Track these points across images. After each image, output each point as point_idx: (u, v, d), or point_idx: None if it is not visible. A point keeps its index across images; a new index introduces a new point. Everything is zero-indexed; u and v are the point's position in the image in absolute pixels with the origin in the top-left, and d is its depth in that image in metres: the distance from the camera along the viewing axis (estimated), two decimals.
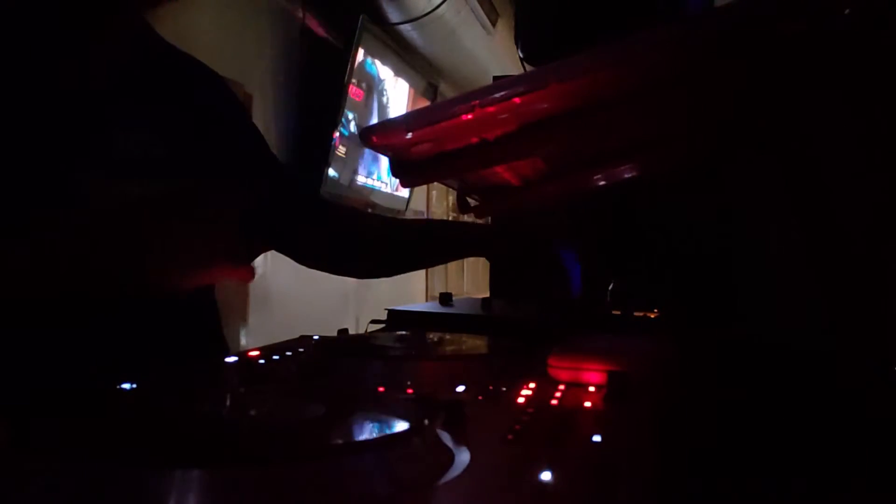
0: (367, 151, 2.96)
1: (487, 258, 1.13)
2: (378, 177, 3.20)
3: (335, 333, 0.87)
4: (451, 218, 4.82)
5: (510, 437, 0.45)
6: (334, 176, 2.75)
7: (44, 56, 0.77)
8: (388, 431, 0.42)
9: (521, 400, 0.56)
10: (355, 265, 1.15)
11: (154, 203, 0.72)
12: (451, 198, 4.57)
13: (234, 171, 0.92)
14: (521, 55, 1.37)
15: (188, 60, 0.95)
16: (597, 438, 0.44)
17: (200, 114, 0.91)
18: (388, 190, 3.32)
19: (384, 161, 2.86)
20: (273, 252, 1.08)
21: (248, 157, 0.98)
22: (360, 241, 1.08)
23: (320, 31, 2.77)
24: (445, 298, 1.21)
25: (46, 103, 0.76)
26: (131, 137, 0.81)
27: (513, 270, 1.14)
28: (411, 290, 4.12)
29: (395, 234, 1.12)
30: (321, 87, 2.69)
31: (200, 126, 0.89)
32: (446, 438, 0.44)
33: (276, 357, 0.73)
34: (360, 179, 3.03)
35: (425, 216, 4.37)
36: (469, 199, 0.94)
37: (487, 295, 1.35)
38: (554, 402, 0.56)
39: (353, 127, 2.80)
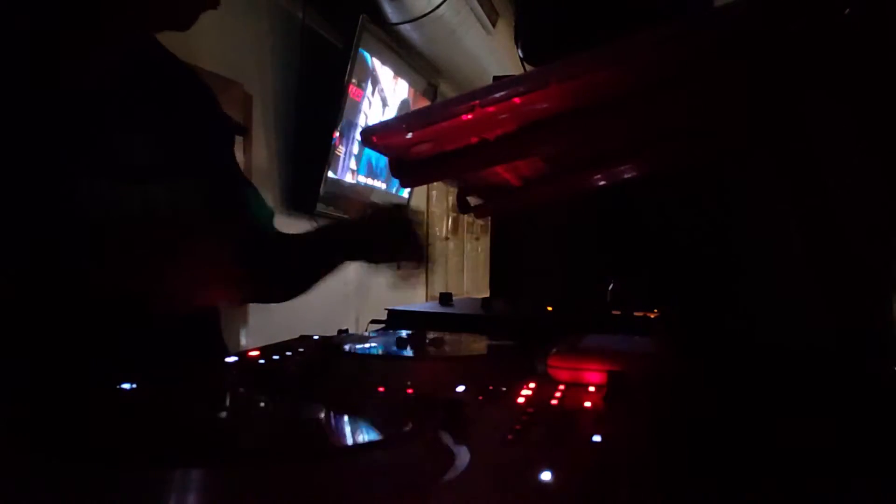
0: (367, 151, 2.96)
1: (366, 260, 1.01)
2: (382, 178, 3.20)
3: (335, 333, 0.87)
4: (450, 218, 4.83)
5: (510, 437, 0.45)
6: (334, 176, 2.75)
7: (43, 57, 0.77)
8: (388, 431, 0.42)
9: (521, 400, 0.56)
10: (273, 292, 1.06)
11: (158, 216, 0.72)
12: (451, 198, 4.57)
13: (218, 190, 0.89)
14: (521, 55, 1.37)
15: (178, 66, 0.94)
16: (597, 438, 0.44)
17: (186, 120, 0.90)
18: (388, 190, 3.32)
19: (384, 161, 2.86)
20: None
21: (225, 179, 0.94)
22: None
23: (320, 31, 2.77)
24: (445, 298, 1.21)
25: (45, 104, 0.76)
26: (126, 140, 0.81)
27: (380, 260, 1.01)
28: (411, 291, 4.12)
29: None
30: (321, 87, 2.69)
31: (184, 133, 0.88)
32: (446, 438, 0.44)
33: (276, 357, 0.73)
34: (360, 179, 3.03)
35: (425, 216, 4.37)
36: (469, 199, 0.94)
37: (487, 295, 1.35)
38: (554, 402, 0.56)
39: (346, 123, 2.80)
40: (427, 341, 0.81)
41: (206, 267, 0.69)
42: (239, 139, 2.05)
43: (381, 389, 0.57)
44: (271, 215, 1.00)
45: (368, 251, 0.95)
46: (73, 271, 0.68)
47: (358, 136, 2.82)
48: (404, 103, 3.29)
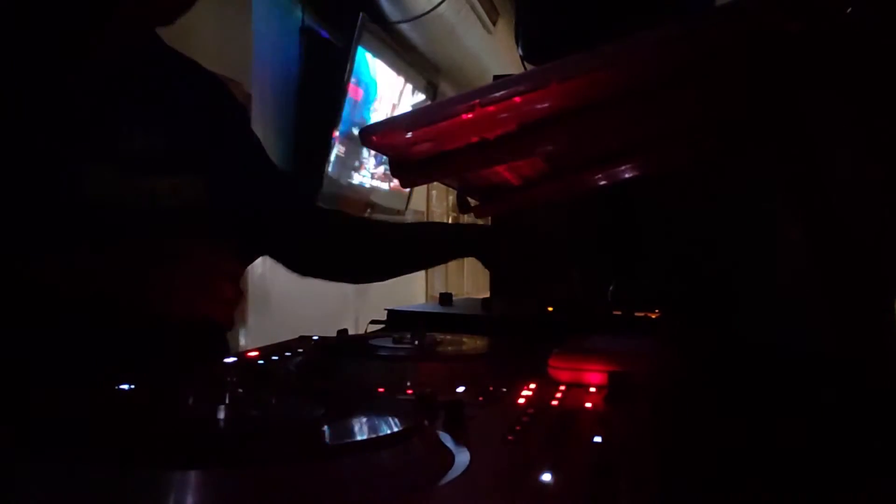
0: (367, 151, 2.96)
1: (480, 259, 1.12)
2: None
3: (335, 333, 0.87)
4: (450, 218, 4.83)
5: (510, 437, 0.45)
6: (334, 175, 2.75)
7: (46, 56, 0.77)
8: (388, 431, 0.42)
9: (521, 400, 0.56)
10: (349, 273, 1.16)
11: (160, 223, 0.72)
12: (451, 198, 4.57)
13: (233, 180, 0.92)
14: (521, 54, 1.37)
15: (190, 64, 0.95)
16: (597, 439, 0.44)
17: (202, 119, 0.91)
18: (388, 189, 3.32)
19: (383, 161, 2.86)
20: None
21: (247, 165, 0.98)
22: (354, 249, 1.08)
23: (320, 31, 2.77)
24: (445, 298, 1.21)
25: (48, 103, 0.76)
26: (133, 139, 0.81)
27: (507, 271, 1.12)
28: (411, 290, 4.12)
29: (387, 238, 1.13)
30: (321, 87, 2.69)
31: (201, 131, 0.89)
32: (446, 438, 0.44)
33: (275, 357, 0.73)
34: (360, 179, 3.03)
35: (425, 216, 4.37)
36: (469, 199, 0.94)
37: (487, 295, 1.35)
38: (554, 402, 0.56)
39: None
40: (427, 341, 0.80)
41: (205, 269, 0.69)
42: None
43: (382, 390, 0.57)
44: (296, 200, 1.05)
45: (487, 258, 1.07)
46: (74, 264, 0.68)
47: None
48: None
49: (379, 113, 3.03)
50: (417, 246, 1.13)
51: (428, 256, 1.21)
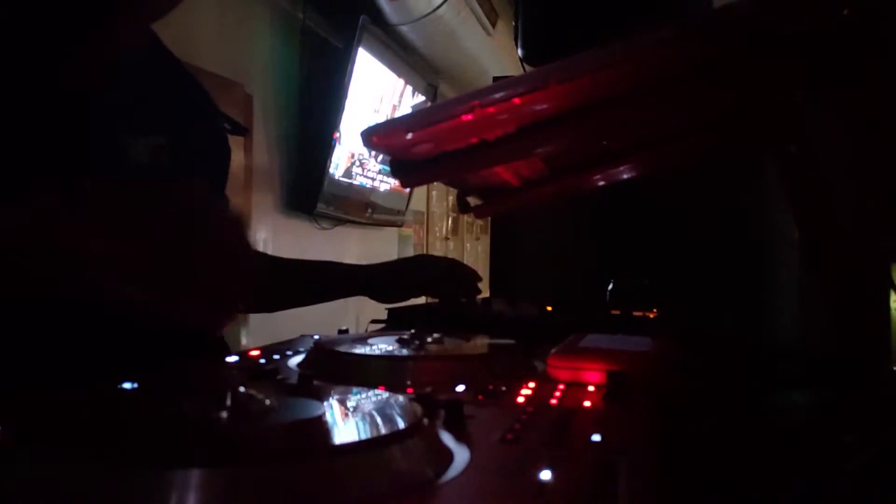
0: (368, 152, 2.96)
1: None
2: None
3: (335, 333, 0.87)
4: (450, 218, 4.83)
5: (509, 435, 0.45)
6: (334, 176, 2.76)
7: (45, 56, 0.77)
8: (388, 431, 0.42)
9: (520, 399, 0.56)
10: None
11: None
12: (451, 198, 4.57)
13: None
14: (520, 56, 1.37)
15: (179, 65, 0.94)
16: (596, 438, 0.45)
17: (189, 119, 0.90)
18: (388, 190, 3.32)
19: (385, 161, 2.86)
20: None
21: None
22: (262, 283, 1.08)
23: (320, 31, 2.77)
24: None
25: (47, 101, 0.76)
26: (130, 137, 0.81)
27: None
28: None
29: (291, 276, 1.14)
30: (321, 88, 2.69)
31: (187, 132, 0.88)
32: (446, 438, 0.44)
33: (277, 356, 0.73)
34: (360, 179, 3.03)
35: (425, 216, 4.38)
36: (469, 200, 0.94)
37: (487, 295, 1.35)
38: (553, 401, 0.56)
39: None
40: (427, 341, 0.81)
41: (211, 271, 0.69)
42: (239, 139, 2.06)
43: (382, 388, 0.57)
44: None
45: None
46: (73, 267, 0.68)
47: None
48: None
49: (380, 114, 3.03)
50: (314, 285, 1.17)
51: (323, 295, 1.23)
